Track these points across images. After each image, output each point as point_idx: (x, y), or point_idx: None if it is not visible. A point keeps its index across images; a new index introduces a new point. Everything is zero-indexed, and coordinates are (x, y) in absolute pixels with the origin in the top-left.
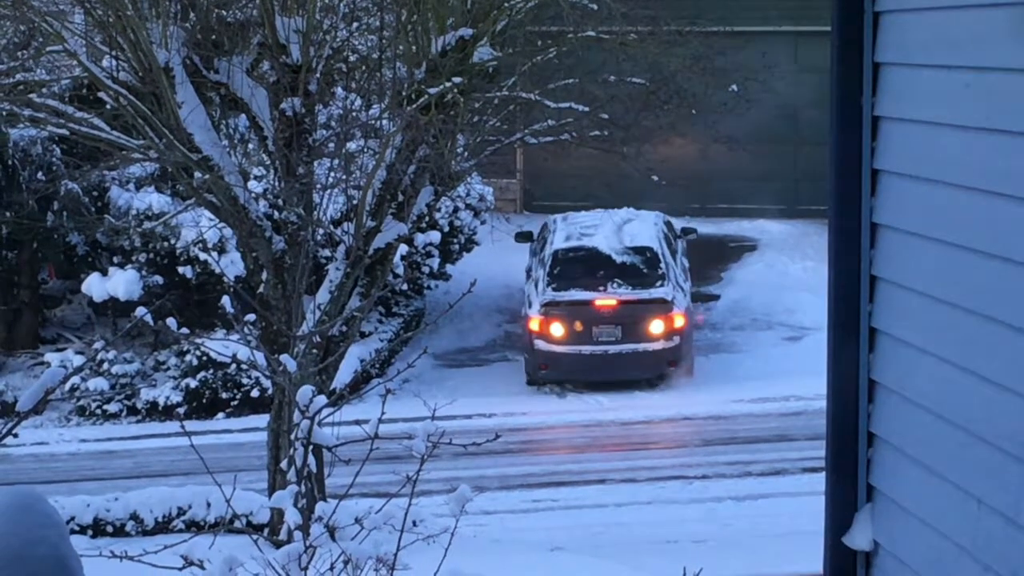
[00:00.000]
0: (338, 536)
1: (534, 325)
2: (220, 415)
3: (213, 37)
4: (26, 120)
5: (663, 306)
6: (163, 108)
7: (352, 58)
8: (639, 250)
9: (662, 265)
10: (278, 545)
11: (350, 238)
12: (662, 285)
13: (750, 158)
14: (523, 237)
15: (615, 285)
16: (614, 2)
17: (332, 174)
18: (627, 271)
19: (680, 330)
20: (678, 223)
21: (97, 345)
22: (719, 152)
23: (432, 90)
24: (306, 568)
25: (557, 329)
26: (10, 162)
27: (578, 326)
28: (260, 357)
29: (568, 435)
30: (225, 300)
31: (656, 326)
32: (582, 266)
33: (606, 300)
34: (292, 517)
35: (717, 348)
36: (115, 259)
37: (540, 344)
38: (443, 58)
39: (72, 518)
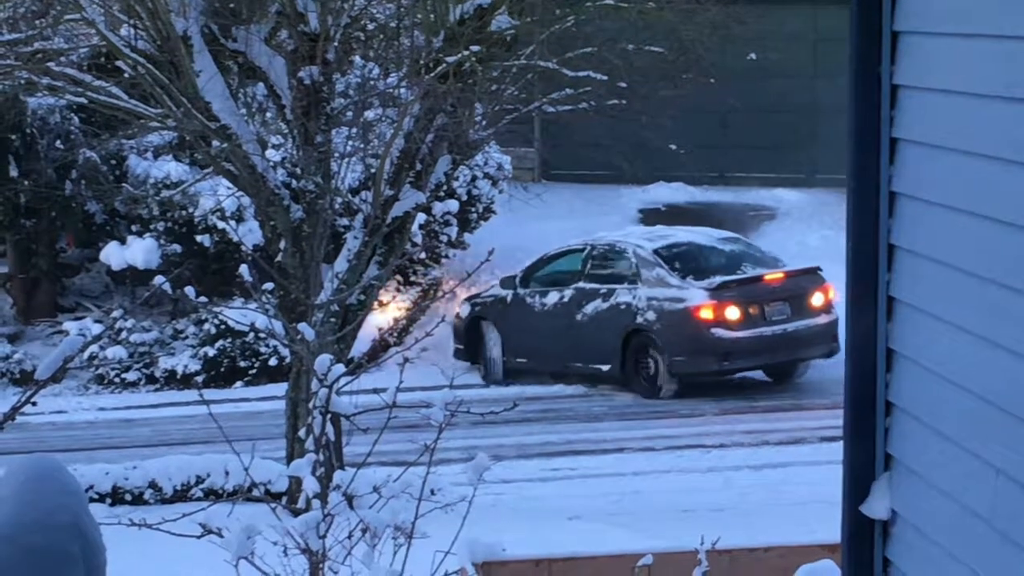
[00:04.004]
0: (356, 504)
1: (706, 313)
2: (238, 384)
3: (231, 5)
4: (44, 89)
5: (817, 277)
6: (181, 77)
7: (370, 26)
8: (730, 240)
9: (760, 250)
10: (296, 513)
11: (368, 207)
12: (782, 265)
13: (769, 127)
14: (507, 282)
15: (748, 266)
16: None
17: (350, 143)
18: (741, 257)
19: (832, 303)
20: (696, 192)
21: (115, 314)
22: (737, 121)
23: (450, 59)
24: (324, 536)
25: (733, 312)
26: (28, 131)
27: (752, 308)
28: (278, 326)
29: (586, 404)
30: (243, 269)
31: (817, 298)
32: (695, 258)
33: (774, 274)
34: (310, 485)
35: None
36: (133, 228)
37: (719, 332)
38: (461, 26)
39: (91, 486)
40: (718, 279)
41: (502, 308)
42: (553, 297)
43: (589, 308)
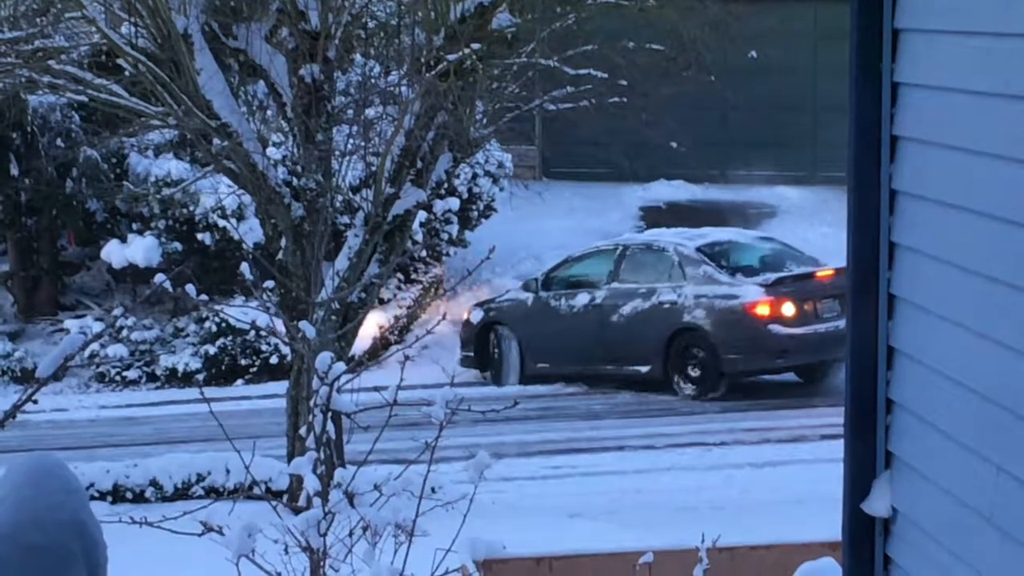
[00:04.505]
0: (357, 502)
1: (762, 309)
2: (239, 381)
3: (232, 3)
4: (45, 87)
5: None
6: (182, 75)
7: (371, 24)
8: (766, 239)
9: (796, 249)
10: (297, 511)
11: (369, 205)
12: (822, 263)
13: (769, 124)
14: (528, 285)
15: (792, 264)
16: None
17: (351, 141)
18: (781, 255)
19: None
20: (696, 190)
21: (116, 312)
22: (738, 118)
23: (451, 56)
24: (325, 534)
25: (789, 309)
26: (29, 129)
27: (807, 305)
28: (279, 324)
29: (586, 402)
30: (244, 267)
31: None
32: (739, 255)
33: (825, 271)
34: (311, 483)
35: None
36: (134, 226)
37: (776, 328)
38: (462, 24)
39: (92, 484)
40: (772, 276)
41: (522, 312)
42: (583, 299)
43: (626, 308)
